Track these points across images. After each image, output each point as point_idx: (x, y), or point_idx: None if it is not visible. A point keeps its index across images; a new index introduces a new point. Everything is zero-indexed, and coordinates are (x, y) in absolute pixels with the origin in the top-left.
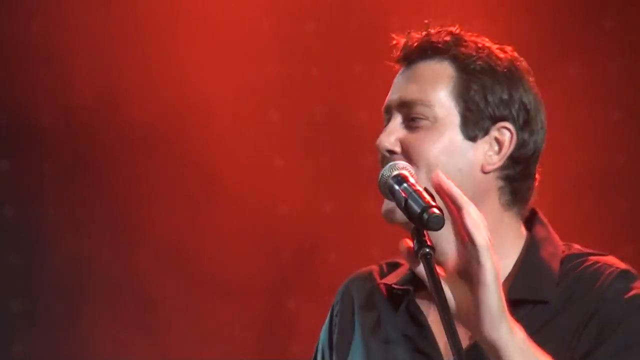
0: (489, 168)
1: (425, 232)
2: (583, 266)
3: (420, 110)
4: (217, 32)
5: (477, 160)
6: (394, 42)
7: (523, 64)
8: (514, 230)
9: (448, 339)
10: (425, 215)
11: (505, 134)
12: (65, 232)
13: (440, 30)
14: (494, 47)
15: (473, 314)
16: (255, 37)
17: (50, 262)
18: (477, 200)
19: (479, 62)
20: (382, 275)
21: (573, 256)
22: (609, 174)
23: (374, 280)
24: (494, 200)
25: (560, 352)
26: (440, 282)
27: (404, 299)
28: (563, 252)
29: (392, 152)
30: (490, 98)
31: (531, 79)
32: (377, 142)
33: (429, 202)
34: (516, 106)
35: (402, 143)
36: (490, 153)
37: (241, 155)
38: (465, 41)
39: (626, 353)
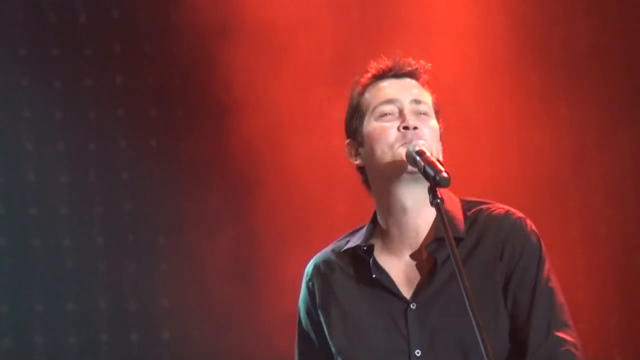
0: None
1: (437, 189)
2: (484, 214)
3: (425, 107)
4: None
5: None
6: (385, 62)
7: None
8: None
9: (455, 263)
10: (438, 177)
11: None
12: None
13: (411, 60)
14: None
15: None
16: None
17: None
18: None
19: (427, 80)
20: (340, 249)
21: (470, 205)
22: None
23: (334, 258)
24: None
25: (483, 279)
26: (448, 225)
27: (367, 259)
28: (460, 202)
29: (415, 128)
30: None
31: None
32: (407, 122)
33: (439, 169)
34: None
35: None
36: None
37: None
38: (422, 67)
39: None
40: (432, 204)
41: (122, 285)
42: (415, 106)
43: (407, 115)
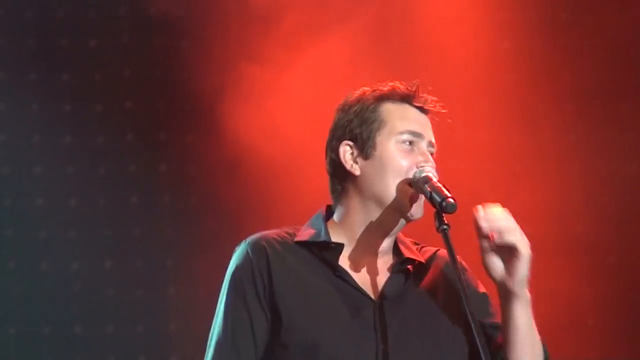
0: None
1: (443, 214)
2: (433, 251)
3: (434, 151)
4: None
5: None
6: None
7: None
8: None
9: (461, 288)
10: (444, 203)
11: None
12: None
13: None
14: None
15: (509, 277)
16: None
17: None
18: None
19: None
20: (289, 237)
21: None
22: None
23: (286, 241)
24: None
25: (444, 303)
26: (454, 250)
27: (332, 256)
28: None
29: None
30: None
31: None
32: (426, 162)
33: (446, 195)
34: None
35: None
36: None
37: None
38: (440, 108)
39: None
40: (438, 230)
41: (129, 309)
42: (430, 148)
43: (425, 153)
